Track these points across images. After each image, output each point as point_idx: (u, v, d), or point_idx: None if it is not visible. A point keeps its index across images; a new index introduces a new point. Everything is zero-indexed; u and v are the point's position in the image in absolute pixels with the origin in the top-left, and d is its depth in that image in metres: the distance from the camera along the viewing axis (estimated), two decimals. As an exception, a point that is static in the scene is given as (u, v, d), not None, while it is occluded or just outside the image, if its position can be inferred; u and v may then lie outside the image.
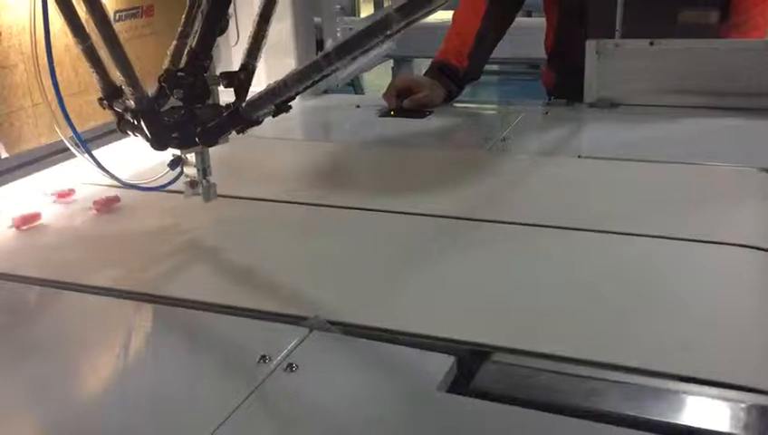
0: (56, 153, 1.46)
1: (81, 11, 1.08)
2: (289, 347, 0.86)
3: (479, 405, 0.77)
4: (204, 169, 1.14)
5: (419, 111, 1.90)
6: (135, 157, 1.62)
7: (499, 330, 0.89)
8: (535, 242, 1.14)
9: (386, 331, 0.90)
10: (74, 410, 0.80)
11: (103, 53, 1.09)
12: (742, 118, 1.69)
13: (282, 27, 1.99)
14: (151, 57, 1.71)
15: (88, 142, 1.45)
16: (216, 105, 1.13)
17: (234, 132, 1.13)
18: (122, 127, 1.15)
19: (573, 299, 0.96)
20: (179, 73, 1.09)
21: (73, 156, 1.20)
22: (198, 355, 0.90)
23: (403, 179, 1.43)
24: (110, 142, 1.60)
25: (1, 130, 1.36)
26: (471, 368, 0.83)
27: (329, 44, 1.03)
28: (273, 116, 1.11)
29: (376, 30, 0.94)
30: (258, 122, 1.12)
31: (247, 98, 1.12)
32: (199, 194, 1.16)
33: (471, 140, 1.70)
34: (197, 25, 1.10)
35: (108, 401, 0.82)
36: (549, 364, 0.82)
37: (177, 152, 1.14)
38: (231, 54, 2.15)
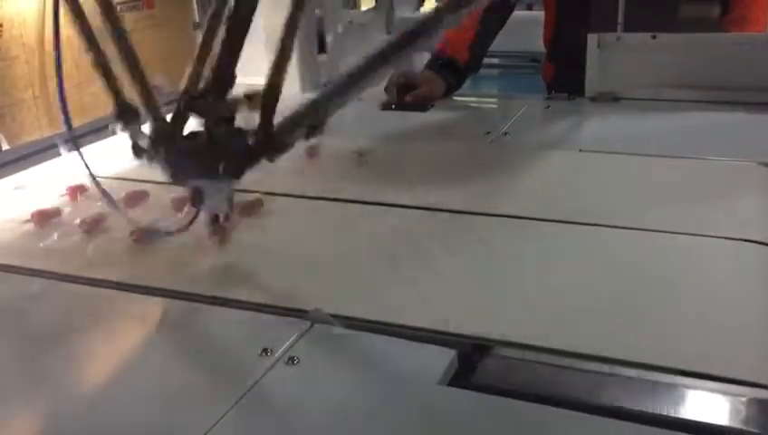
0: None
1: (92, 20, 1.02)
2: (290, 340, 0.87)
3: (480, 399, 0.77)
4: (229, 205, 1.03)
5: (420, 105, 1.90)
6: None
7: (500, 324, 0.89)
8: (536, 236, 1.14)
9: (387, 324, 0.90)
10: (77, 403, 0.81)
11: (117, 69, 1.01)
12: (743, 112, 1.69)
13: (282, 20, 1.98)
14: (152, 49, 1.71)
15: (90, 135, 1.45)
16: (241, 130, 0.99)
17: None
18: (137, 153, 1.05)
19: (574, 293, 0.97)
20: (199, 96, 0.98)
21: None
22: (200, 348, 0.90)
23: (404, 173, 1.43)
24: (111, 137, 1.59)
25: (2, 123, 1.35)
26: (472, 362, 0.83)
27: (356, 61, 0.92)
28: (306, 138, 0.99)
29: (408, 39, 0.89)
30: (290, 147, 0.99)
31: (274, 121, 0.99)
32: (221, 235, 1.06)
33: (472, 134, 1.70)
34: (215, 46, 1.00)
35: (109, 393, 0.82)
36: (550, 358, 0.83)
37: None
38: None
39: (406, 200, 1.27)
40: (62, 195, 1.32)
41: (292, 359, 0.83)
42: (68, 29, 1.46)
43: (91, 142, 1.53)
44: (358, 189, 1.34)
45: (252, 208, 1.24)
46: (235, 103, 0.98)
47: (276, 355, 0.84)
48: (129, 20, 1.63)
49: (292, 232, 1.21)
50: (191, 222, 1.06)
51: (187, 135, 1.00)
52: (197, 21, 1.85)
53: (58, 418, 0.78)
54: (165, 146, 0.99)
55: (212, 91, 0.97)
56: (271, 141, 0.97)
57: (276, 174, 1.43)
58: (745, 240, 1.08)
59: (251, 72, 2.17)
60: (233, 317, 0.95)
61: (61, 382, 0.84)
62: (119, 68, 1.01)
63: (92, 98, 1.54)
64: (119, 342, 0.93)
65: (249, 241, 1.15)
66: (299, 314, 0.92)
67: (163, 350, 0.90)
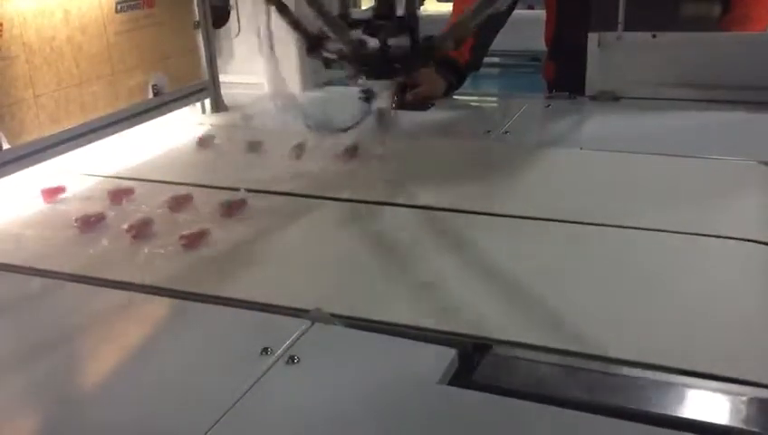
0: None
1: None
2: (290, 339, 0.87)
3: (480, 398, 0.77)
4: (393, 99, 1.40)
5: (421, 104, 1.90)
6: (139, 145, 1.62)
7: (500, 323, 0.89)
8: (536, 235, 1.14)
9: (387, 323, 0.90)
10: (80, 400, 0.81)
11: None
12: (743, 111, 1.69)
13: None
14: (152, 48, 1.71)
15: (92, 132, 1.46)
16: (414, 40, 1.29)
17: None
18: (328, 65, 1.33)
19: (574, 292, 0.97)
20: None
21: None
22: (201, 347, 0.90)
23: (405, 172, 1.43)
24: (114, 133, 1.60)
25: (2, 122, 1.35)
26: (472, 361, 0.83)
27: None
28: (455, 48, 1.33)
29: None
30: (443, 51, 1.35)
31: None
32: (386, 125, 1.40)
33: (473, 133, 1.70)
34: None
35: (110, 391, 0.82)
36: (550, 357, 0.83)
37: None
38: (232, 46, 2.15)
39: (405, 199, 1.27)
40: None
41: (292, 358, 0.83)
42: (68, 28, 1.46)
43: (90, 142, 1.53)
44: (357, 188, 1.34)
45: (234, 209, 1.26)
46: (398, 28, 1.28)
47: (276, 354, 0.84)
48: (128, 19, 1.63)
49: (288, 230, 1.21)
50: (362, 119, 1.41)
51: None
52: (197, 20, 1.85)
53: (60, 414, 0.79)
54: (356, 57, 1.27)
55: (383, 18, 1.26)
56: (427, 51, 1.28)
57: (273, 172, 1.44)
58: (746, 239, 1.07)
59: (244, 72, 2.17)
60: (233, 316, 0.95)
61: (63, 382, 0.84)
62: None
63: (92, 97, 1.54)
64: (119, 341, 0.93)
65: (247, 240, 1.16)
66: (299, 313, 0.92)
67: (163, 349, 0.90)
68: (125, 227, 1.18)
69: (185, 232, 1.15)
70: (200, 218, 1.23)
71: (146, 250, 1.12)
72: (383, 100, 1.36)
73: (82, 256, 1.12)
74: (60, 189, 1.36)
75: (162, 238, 1.16)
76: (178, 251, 1.12)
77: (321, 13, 1.26)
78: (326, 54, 1.32)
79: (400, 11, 1.32)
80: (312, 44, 1.32)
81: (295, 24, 1.33)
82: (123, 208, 1.28)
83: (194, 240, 1.13)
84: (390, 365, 0.84)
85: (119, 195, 1.33)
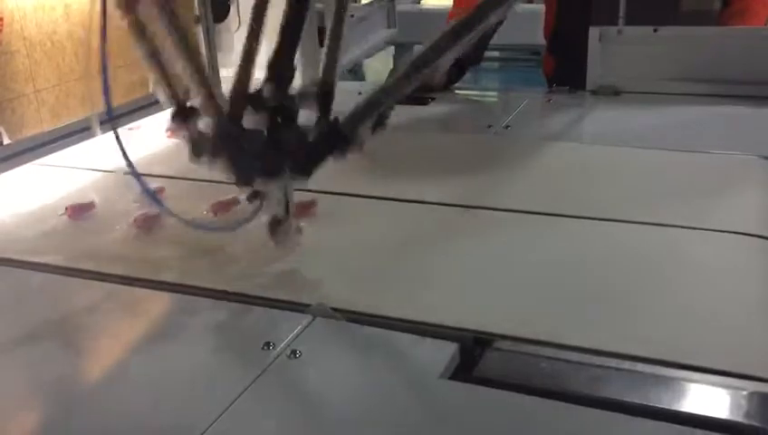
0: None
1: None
2: (293, 334, 0.87)
3: (481, 392, 0.77)
4: (288, 206, 0.99)
5: (422, 98, 1.90)
6: (139, 143, 1.62)
7: (501, 317, 0.89)
8: (538, 229, 1.15)
9: (388, 318, 0.90)
10: (83, 395, 0.81)
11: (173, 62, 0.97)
12: (744, 105, 1.68)
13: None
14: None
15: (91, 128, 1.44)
16: (301, 128, 0.98)
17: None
18: (196, 153, 1.01)
19: (575, 287, 0.97)
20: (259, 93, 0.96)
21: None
22: (203, 342, 0.90)
23: (406, 167, 1.43)
24: (116, 128, 1.59)
25: (2, 117, 1.35)
26: (474, 355, 0.83)
27: (416, 49, 0.97)
28: (372, 132, 0.97)
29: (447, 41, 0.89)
30: (360, 145, 0.97)
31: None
32: (279, 236, 1.02)
33: (474, 127, 1.70)
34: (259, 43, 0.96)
35: (114, 385, 0.83)
36: (551, 352, 0.83)
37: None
38: (233, 40, 2.15)
39: (409, 195, 1.27)
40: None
41: (294, 352, 0.83)
42: (69, 23, 1.46)
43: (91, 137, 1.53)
44: (358, 183, 1.34)
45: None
46: (299, 97, 0.97)
47: (278, 349, 0.84)
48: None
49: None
50: (247, 221, 1.04)
51: (250, 134, 0.97)
52: (198, 14, 1.85)
53: (63, 407, 0.79)
54: (228, 146, 0.96)
55: (272, 88, 0.95)
56: (337, 137, 0.96)
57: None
58: (746, 234, 1.08)
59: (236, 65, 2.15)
60: (235, 311, 0.95)
61: (67, 375, 0.84)
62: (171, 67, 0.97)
63: (93, 93, 1.54)
64: (120, 335, 0.94)
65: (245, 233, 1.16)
66: (301, 307, 0.92)
67: (166, 343, 0.90)
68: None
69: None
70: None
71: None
72: (274, 204, 1.00)
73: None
74: (88, 207, 1.25)
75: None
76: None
77: (191, 64, 0.93)
78: (187, 134, 1.00)
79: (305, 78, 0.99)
80: (177, 113, 1.00)
81: (165, 79, 0.98)
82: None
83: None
84: (392, 360, 0.84)
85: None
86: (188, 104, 0.99)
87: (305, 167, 0.97)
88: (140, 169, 1.11)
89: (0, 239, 1.18)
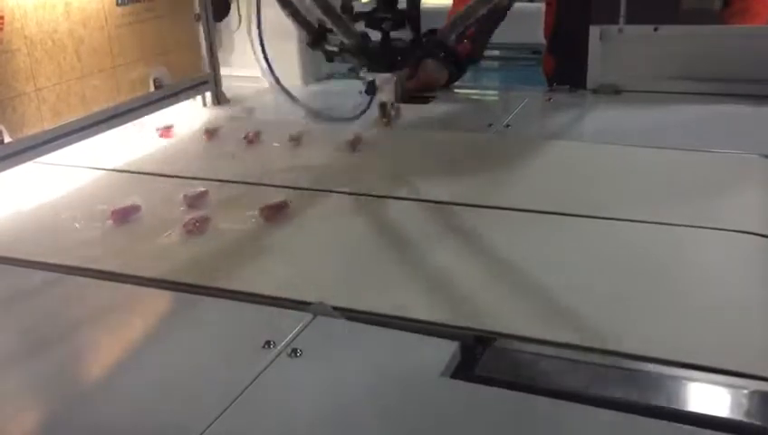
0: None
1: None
2: (293, 332, 0.87)
3: (482, 390, 0.77)
4: (396, 93, 1.49)
5: (423, 97, 1.89)
6: (136, 141, 1.62)
7: (502, 316, 0.89)
8: (539, 228, 1.15)
9: (389, 316, 0.90)
10: (84, 393, 0.81)
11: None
12: (744, 104, 1.68)
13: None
14: (153, 41, 1.70)
15: (92, 127, 1.45)
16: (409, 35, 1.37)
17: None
18: (329, 58, 1.42)
19: (577, 285, 0.97)
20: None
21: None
22: (204, 340, 0.90)
23: (407, 165, 1.43)
24: (115, 127, 1.60)
25: (3, 115, 1.35)
26: (474, 353, 0.83)
27: None
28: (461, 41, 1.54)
29: None
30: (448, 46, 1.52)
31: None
32: (388, 119, 1.55)
33: (475, 126, 1.70)
34: None
35: (114, 384, 0.83)
36: (552, 350, 0.83)
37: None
38: (233, 40, 2.15)
39: (409, 193, 1.27)
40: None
41: (294, 351, 0.83)
42: (69, 22, 1.46)
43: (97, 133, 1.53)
44: (357, 181, 1.34)
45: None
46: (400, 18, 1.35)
47: (279, 348, 0.84)
48: (129, 12, 1.63)
49: (291, 223, 1.21)
50: (364, 111, 1.49)
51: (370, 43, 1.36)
52: (198, 13, 1.85)
53: (66, 406, 0.79)
54: (358, 50, 1.34)
55: (384, 11, 1.33)
56: (435, 42, 1.38)
57: (269, 165, 1.44)
58: (747, 232, 1.08)
59: (237, 64, 2.17)
60: (236, 309, 0.95)
61: (67, 374, 0.84)
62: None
63: (94, 91, 1.54)
64: (122, 333, 0.94)
65: (244, 236, 1.16)
66: (302, 306, 0.92)
67: (167, 342, 0.90)
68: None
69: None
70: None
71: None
72: (385, 92, 1.43)
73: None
74: (134, 209, 1.23)
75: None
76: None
77: (324, 5, 1.26)
78: (328, 48, 1.35)
79: (402, 3, 1.37)
80: (314, 37, 1.35)
81: (296, 16, 1.36)
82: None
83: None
84: (393, 358, 0.84)
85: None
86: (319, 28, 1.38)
87: (412, 62, 1.52)
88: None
89: (0, 239, 1.19)
